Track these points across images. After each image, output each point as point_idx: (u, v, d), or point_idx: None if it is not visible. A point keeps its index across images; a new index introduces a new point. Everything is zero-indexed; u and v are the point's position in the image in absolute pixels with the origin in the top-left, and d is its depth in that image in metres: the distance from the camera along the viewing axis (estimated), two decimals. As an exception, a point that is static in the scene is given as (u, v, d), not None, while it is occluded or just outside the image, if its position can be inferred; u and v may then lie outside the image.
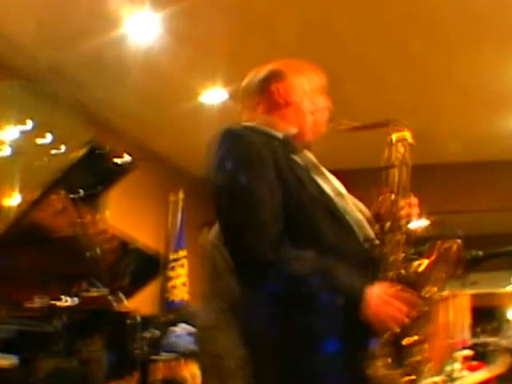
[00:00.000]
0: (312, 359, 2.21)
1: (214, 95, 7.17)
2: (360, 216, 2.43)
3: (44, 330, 4.05)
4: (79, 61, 6.37)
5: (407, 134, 2.49)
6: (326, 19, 5.80)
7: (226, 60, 6.35)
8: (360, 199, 2.55)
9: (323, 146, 2.66)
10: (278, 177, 2.32)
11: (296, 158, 2.46)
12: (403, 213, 2.39)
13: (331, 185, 2.48)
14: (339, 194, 2.45)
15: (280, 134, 2.51)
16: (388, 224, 2.37)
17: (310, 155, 2.55)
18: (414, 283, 2.27)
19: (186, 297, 8.04)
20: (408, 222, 2.40)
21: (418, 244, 2.47)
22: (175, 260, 8.19)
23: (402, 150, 2.47)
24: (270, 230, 2.24)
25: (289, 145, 2.50)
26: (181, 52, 6.25)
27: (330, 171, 2.56)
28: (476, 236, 8.82)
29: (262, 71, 2.65)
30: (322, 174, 2.50)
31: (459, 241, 2.34)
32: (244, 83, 2.70)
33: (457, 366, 5.95)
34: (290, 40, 5.85)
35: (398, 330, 2.17)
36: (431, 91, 7.18)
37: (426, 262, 2.32)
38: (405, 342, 2.21)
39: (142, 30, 5.92)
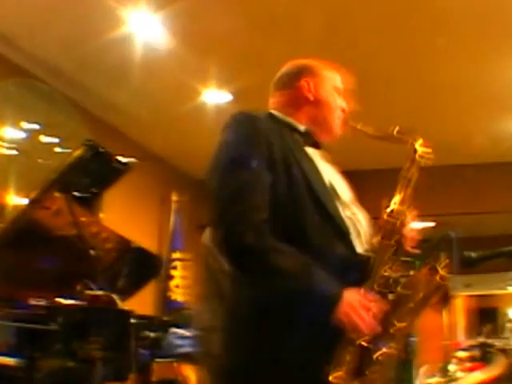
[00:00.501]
0: (287, 350, 2.20)
1: (214, 96, 7.17)
2: (355, 224, 2.42)
3: (44, 329, 4.03)
4: (80, 61, 6.38)
5: (419, 147, 2.50)
6: (328, 18, 5.81)
7: (228, 61, 6.38)
8: (369, 201, 2.55)
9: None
10: (273, 165, 2.31)
11: (312, 152, 2.48)
12: (395, 229, 2.39)
13: (338, 186, 2.47)
14: (344, 199, 2.45)
15: (302, 127, 2.53)
16: (378, 238, 2.38)
17: (326, 154, 2.57)
18: (392, 300, 2.28)
19: (184, 298, 8.03)
20: (398, 239, 2.39)
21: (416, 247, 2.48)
22: (178, 260, 8.18)
23: (413, 165, 2.48)
24: (255, 215, 2.23)
25: (308, 139, 2.51)
26: (182, 52, 6.24)
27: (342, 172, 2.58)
28: (478, 237, 8.89)
29: (295, 65, 2.67)
30: (333, 175, 2.51)
31: (444, 266, 2.31)
32: (276, 76, 2.70)
33: (454, 367, 5.95)
34: (293, 39, 5.86)
35: (358, 339, 2.17)
36: (432, 91, 7.19)
37: (407, 281, 2.33)
38: (371, 355, 2.20)
39: (143, 30, 5.92)
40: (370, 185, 2.60)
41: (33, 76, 6.47)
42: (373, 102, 6.68)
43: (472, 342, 7.38)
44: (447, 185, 8.59)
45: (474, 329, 9.52)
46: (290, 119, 2.54)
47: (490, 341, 7.20)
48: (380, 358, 2.20)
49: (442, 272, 2.29)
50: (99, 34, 5.89)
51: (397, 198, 2.42)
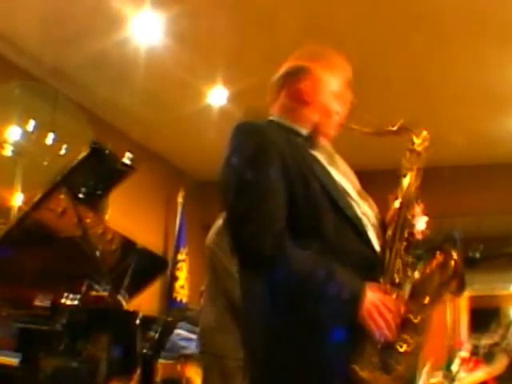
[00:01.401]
0: (313, 351, 2.22)
1: (217, 96, 7.19)
2: (369, 220, 2.44)
3: (48, 328, 4.04)
4: (83, 62, 6.39)
5: (419, 140, 2.54)
6: (328, 17, 5.83)
7: (230, 60, 6.38)
8: (376, 201, 2.57)
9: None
10: (288, 173, 2.32)
11: (317, 154, 2.48)
12: (406, 221, 2.42)
13: (347, 186, 2.49)
14: (354, 197, 2.46)
15: (304, 131, 2.53)
16: (390, 231, 2.40)
17: (330, 152, 2.57)
18: (410, 292, 2.31)
19: (188, 298, 8.06)
20: (410, 231, 2.42)
21: (419, 247, 2.50)
22: (183, 260, 8.22)
23: (412, 156, 2.52)
24: (273, 225, 2.24)
25: (312, 141, 2.52)
26: (184, 53, 6.27)
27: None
28: (476, 238, 8.88)
29: (290, 66, 2.66)
30: (341, 175, 2.51)
31: (456, 253, 2.35)
32: (273, 78, 2.68)
33: (456, 366, 5.97)
34: (294, 39, 5.86)
35: (382, 337, 2.19)
36: (432, 91, 7.20)
37: (422, 270, 2.36)
38: (396, 348, 2.24)
39: (145, 30, 5.94)
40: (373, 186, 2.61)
41: (36, 78, 6.50)
42: (370, 101, 6.72)
43: (475, 341, 7.39)
44: (447, 185, 8.60)
45: (476, 328, 9.51)
46: (291, 124, 2.54)
47: (492, 340, 7.21)
48: (405, 350, 2.24)
49: (456, 257, 2.34)
50: (103, 36, 5.93)
51: (404, 191, 2.46)
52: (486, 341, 7.35)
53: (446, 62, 6.54)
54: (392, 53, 6.44)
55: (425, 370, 6.14)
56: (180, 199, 8.56)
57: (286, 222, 2.27)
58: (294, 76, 2.61)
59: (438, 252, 2.36)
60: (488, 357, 6.48)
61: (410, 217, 2.43)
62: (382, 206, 2.55)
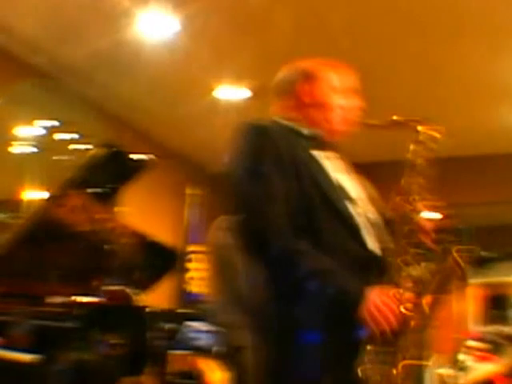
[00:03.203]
0: (303, 348, 2.29)
1: (228, 91, 7.24)
2: (368, 220, 2.49)
3: (63, 325, 4.09)
4: (95, 59, 6.44)
5: (427, 133, 2.57)
6: (343, 13, 5.86)
7: (241, 56, 6.40)
8: (380, 193, 2.59)
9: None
10: (291, 173, 2.39)
11: (317, 155, 2.53)
12: (405, 217, 2.46)
13: (347, 186, 2.54)
14: (353, 197, 2.51)
15: (306, 131, 2.59)
16: (398, 228, 2.45)
17: (334, 154, 2.62)
18: (415, 290, 2.35)
19: (200, 290, 8.08)
20: (410, 227, 2.45)
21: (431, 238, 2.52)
22: (193, 252, 8.23)
23: (419, 149, 2.55)
24: (278, 222, 2.31)
25: (313, 141, 2.57)
26: (195, 49, 6.31)
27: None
28: (488, 227, 8.90)
29: (291, 69, 2.73)
30: (341, 174, 2.57)
31: (465, 254, 2.39)
32: (274, 80, 2.76)
33: (465, 357, 5.99)
34: (303, 37, 5.90)
35: (381, 336, 2.24)
36: (433, 85, 7.20)
37: (429, 268, 2.39)
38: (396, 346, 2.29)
39: (156, 27, 6.00)
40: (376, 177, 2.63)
41: (48, 74, 6.53)
42: (370, 98, 6.72)
43: (483, 330, 7.41)
44: (457, 175, 8.60)
45: (484, 317, 9.51)
46: (293, 124, 2.60)
47: (500, 329, 7.23)
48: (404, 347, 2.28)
49: (457, 257, 2.38)
50: (114, 32, 5.96)
51: (407, 187, 2.49)
52: (494, 329, 7.38)
53: (460, 56, 6.58)
54: (403, 48, 6.46)
55: (432, 361, 6.18)
56: (190, 192, 8.59)
57: (288, 218, 2.34)
58: (290, 81, 2.69)
59: (442, 253, 2.39)
60: (497, 346, 6.51)
61: (409, 213, 2.46)
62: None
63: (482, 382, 5.78)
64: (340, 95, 2.66)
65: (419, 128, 2.58)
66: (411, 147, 2.56)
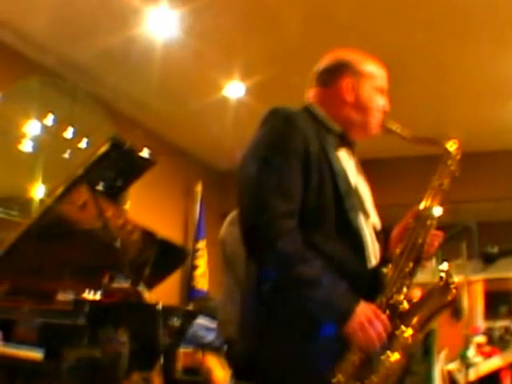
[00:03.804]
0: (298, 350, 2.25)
1: (234, 89, 7.23)
2: (374, 232, 2.45)
3: (70, 322, 4.09)
4: (101, 57, 6.45)
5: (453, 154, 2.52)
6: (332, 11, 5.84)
7: (246, 54, 6.40)
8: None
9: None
10: (312, 168, 2.31)
11: (342, 156, 2.47)
12: (418, 244, 2.39)
13: (365, 193, 2.50)
14: (367, 208, 2.46)
15: (338, 128, 2.52)
16: (399, 250, 2.40)
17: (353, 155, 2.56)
18: (403, 314, 2.31)
19: (207, 287, 8.12)
20: (419, 255, 2.39)
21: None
22: (201, 250, 8.27)
23: (444, 172, 2.51)
24: (285, 223, 2.24)
25: (340, 140, 2.51)
26: (200, 46, 6.31)
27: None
28: (492, 223, 8.90)
29: (335, 59, 2.62)
30: (359, 178, 2.52)
31: (455, 290, 2.33)
32: (317, 66, 2.65)
33: (472, 352, 6.01)
34: (311, 34, 5.89)
35: (367, 350, 2.21)
36: (441, 82, 7.19)
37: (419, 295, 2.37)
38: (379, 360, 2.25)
39: (165, 25, 6.01)
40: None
41: (54, 72, 6.55)
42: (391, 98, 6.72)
43: (490, 326, 7.44)
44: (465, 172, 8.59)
45: (491, 312, 9.51)
46: (326, 119, 2.52)
47: (507, 324, 7.25)
48: (384, 364, 2.24)
49: (452, 287, 2.32)
50: (121, 31, 5.97)
51: (421, 211, 2.43)
52: (501, 325, 7.40)
53: (468, 52, 6.55)
54: (411, 45, 6.43)
55: (441, 356, 6.21)
56: (198, 189, 8.63)
57: (297, 218, 2.28)
58: (335, 72, 2.58)
59: (437, 281, 2.36)
60: (503, 341, 6.53)
61: (421, 241, 2.40)
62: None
63: (488, 376, 5.80)
64: (380, 95, 2.59)
65: (448, 147, 2.53)
66: (439, 169, 2.52)
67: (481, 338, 6.54)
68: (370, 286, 2.34)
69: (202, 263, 8.27)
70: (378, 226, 2.51)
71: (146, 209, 7.22)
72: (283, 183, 2.27)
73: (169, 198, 8.67)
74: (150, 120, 7.98)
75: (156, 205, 8.05)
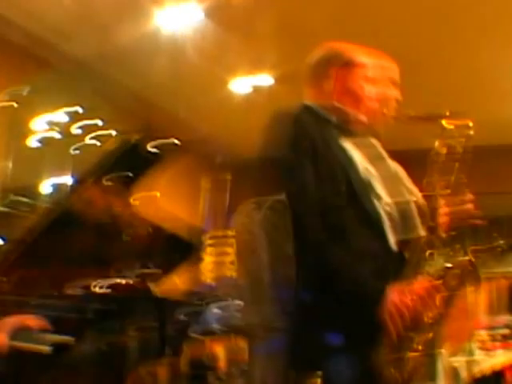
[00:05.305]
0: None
1: (243, 84, 7.28)
2: (393, 211, 2.50)
3: (79, 315, 4.15)
4: (109, 54, 6.48)
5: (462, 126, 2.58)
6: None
7: (254, 51, 6.43)
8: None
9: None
10: (317, 163, 2.42)
11: (347, 145, 2.54)
12: (442, 211, 2.49)
13: (376, 176, 2.55)
14: (378, 192, 2.53)
15: (334, 118, 2.60)
16: (426, 222, 2.49)
17: (365, 140, 2.62)
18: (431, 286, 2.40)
19: (215, 280, 8.12)
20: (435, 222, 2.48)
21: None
22: (222, 237, 8.27)
23: (454, 142, 2.57)
24: (316, 217, 2.35)
25: (341, 129, 2.57)
26: (210, 43, 6.34)
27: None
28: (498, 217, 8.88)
29: (326, 52, 2.73)
30: (369, 164, 2.58)
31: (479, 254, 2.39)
32: (308, 61, 2.76)
33: (477, 347, 6.02)
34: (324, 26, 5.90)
35: (399, 334, 2.30)
36: (448, 76, 7.19)
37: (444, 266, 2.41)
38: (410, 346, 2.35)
39: (173, 21, 6.07)
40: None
41: (61, 69, 6.58)
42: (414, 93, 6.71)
43: (494, 321, 7.44)
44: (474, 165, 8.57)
45: (496, 307, 9.50)
46: (323, 111, 2.61)
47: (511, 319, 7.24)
48: (418, 347, 2.36)
49: (472, 257, 2.44)
50: (129, 25, 6.00)
51: (433, 182, 2.53)
52: (504, 320, 7.40)
53: (474, 46, 6.59)
54: (441, 43, 6.48)
55: (445, 351, 6.22)
56: (207, 184, 8.64)
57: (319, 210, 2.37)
58: (325, 64, 2.69)
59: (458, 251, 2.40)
60: (507, 337, 6.54)
61: (431, 213, 2.48)
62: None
63: (493, 373, 5.82)
64: (374, 85, 2.63)
65: (444, 123, 2.57)
66: (436, 143, 2.57)
67: (485, 333, 6.53)
68: (396, 267, 2.44)
69: (232, 251, 8.27)
70: (403, 201, 2.53)
71: (176, 198, 7.28)
72: (304, 187, 2.41)
73: (181, 189, 8.72)
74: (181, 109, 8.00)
75: (169, 195, 8.08)
